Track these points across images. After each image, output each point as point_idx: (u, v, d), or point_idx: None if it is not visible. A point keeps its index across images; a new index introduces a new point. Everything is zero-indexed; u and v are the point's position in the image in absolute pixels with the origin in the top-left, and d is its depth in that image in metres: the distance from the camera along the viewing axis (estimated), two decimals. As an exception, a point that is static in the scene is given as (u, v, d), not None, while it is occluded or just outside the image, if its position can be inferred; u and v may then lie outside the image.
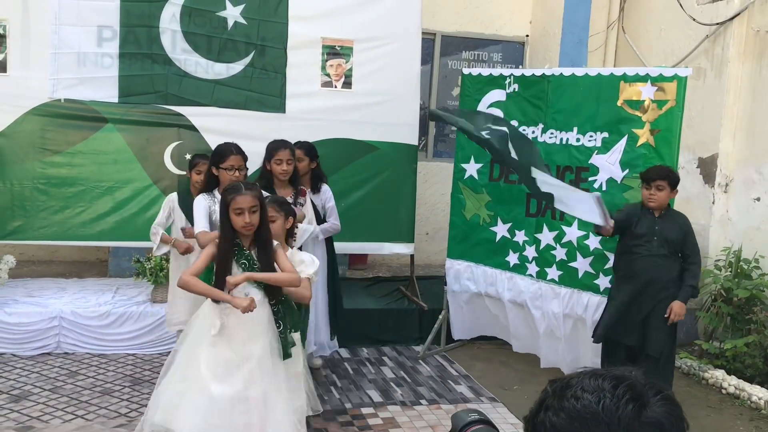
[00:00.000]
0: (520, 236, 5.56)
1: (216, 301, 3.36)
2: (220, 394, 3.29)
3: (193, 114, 5.79)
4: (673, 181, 4.44)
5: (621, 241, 4.68)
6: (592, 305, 5.13)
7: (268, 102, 5.93)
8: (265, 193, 3.73)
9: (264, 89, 5.91)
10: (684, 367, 5.88)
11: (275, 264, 3.43)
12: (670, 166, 4.65)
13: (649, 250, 4.50)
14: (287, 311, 3.49)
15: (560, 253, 5.31)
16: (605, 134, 5.04)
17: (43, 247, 6.59)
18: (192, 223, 4.27)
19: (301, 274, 3.46)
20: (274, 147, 4.63)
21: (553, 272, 5.36)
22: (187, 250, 4.57)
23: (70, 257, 7.05)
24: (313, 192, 5.05)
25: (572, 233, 5.23)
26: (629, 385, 1.08)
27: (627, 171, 4.93)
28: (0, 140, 5.48)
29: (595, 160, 5.09)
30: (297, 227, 4.07)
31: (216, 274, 3.35)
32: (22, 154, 5.52)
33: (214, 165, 4.16)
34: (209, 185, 4.15)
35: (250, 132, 5.87)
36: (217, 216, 3.91)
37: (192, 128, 5.80)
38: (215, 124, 5.83)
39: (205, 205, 4.01)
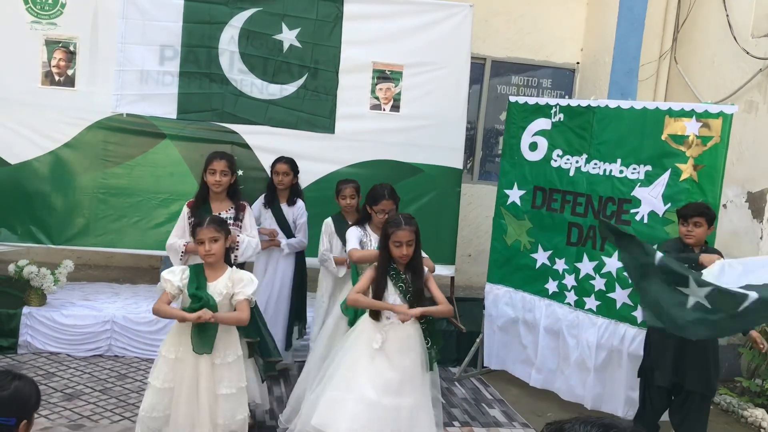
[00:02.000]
0: (560, 264, 5.61)
1: (376, 318, 3.78)
2: (377, 402, 3.65)
3: (247, 132, 6.03)
4: (710, 217, 4.43)
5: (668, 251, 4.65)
6: (628, 337, 5.14)
7: (319, 123, 6.13)
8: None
9: (315, 110, 6.11)
10: (723, 404, 5.83)
11: (425, 288, 3.87)
12: (711, 202, 4.66)
13: None
14: (433, 328, 3.90)
15: (599, 283, 5.34)
16: (648, 167, 5.07)
17: (99, 253, 6.89)
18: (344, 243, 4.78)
19: (240, 295, 3.66)
20: (210, 157, 4.55)
21: (591, 302, 5.39)
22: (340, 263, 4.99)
23: (125, 263, 7.36)
24: (288, 205, 5.33)
25: (612, 264, 5.25)
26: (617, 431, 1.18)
27: (669, 205, 4.94)
28: (65, 151, 5.80)
29: (638, 192, 5.12)
30: (237, 242, 4.42)
31: (374, 294, 3.83)
32: (86, 165, 5.84)
33: (368, 205, 4.57)
34: (363, 220, 4.61)
35: (300, 151, 6.08)
36: (366, 247, 4.44)
37: (245, 146, 6.04)
38: (267, 143, 6.05)
39: (358, 235, 4.49)
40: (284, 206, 5.37)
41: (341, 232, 4.90)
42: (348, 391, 3.68)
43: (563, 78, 8.33)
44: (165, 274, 3.72)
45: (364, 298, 3.78)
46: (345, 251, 4.76)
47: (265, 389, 4.48)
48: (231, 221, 4.47)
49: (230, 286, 3.69)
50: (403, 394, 3.67)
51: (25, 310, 5.52)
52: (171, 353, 3.64)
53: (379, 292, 3.79)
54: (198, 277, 3.70)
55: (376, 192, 4.54)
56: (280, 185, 5.30)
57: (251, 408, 4.14)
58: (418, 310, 3.73)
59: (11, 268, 5.62)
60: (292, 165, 5.33)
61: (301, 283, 5.48)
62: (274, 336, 4.86)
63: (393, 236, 3.79)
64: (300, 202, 5.36)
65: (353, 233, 4.49)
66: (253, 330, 4.32)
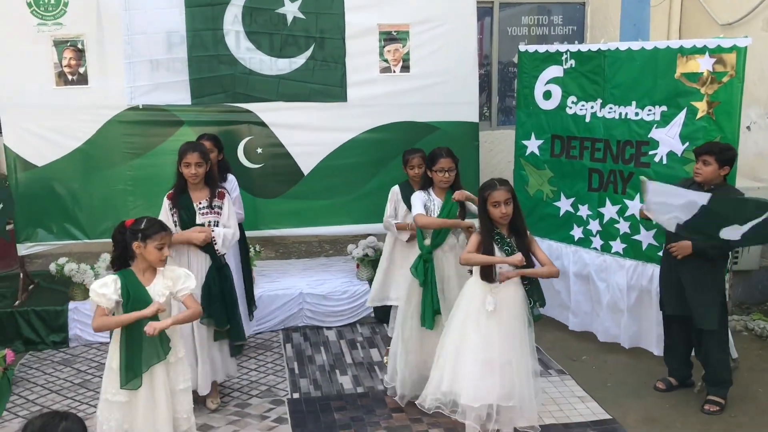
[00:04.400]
0: (584, 210, 5.64)
1: (488, 280, 3.98)
2: (490, 360, 3.94)
3: (261, 110, 6.08)
4: (720, 156, 4.36)
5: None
6: (656, 277, 5.18)
7: (330, 92, 6.14)
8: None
9: (326, 80, 6.12)
10: (757, 329, 5.88)
11: (530, 252, 4.01)
12: (729, 139, 4.62)
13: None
14: (536, 289, 4.08)
15: (624, 227, 5.38)
16: (664, 108, 5.03)
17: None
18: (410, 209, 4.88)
19: (184, 291, 3.62)
20: (183, 150, 4.48)
21: (617, 245, 5.44)
22: (402, 229, 5.01)
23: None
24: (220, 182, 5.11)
25: (635, 206, 5.27)
26: None
27: (687, 144, 4.91)
28: (88, 148, 5.92)
29: (655, 134, 5.09)
30: (213, 236, 4.48)
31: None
32: (110, 159, 5.95)
33: (428, 168, 4.64)
34: (425, 185, 4.69)
35: (315, 123, 6.15)
36: (431, 212, 4.53)
37: (261, 124, 6.10)
38: (282, 118, 6.10)
39: (422, 199, 4.61)
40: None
41: (407, 198, 4.98)
42: (466, 353, 3.97)
43: (574, 12, 8.15)
44: (97, 287, 3.48)
45: (475, 255, 3.96)
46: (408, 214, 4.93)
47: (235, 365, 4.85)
48: (206, 210, 4.51)
49: (170, 285, 3.60)
50: (511, 350, 3.95)
51: (71, 305, 5.76)
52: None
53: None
54: (133, 284, 3.54)
55: (433, 154, 4.63)
56: (192, 179, 4.66)
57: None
58: (516, 272, 3.92)
59: (52, 267, 5.84)
60: (215, 141, 5.16)
61: (245, 254, 5.49)
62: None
63: (490, 198, 3.95)
64: (231, 177, 5.20)
65: (418, 197, 4.61)
66: (222, 319, 4.53)
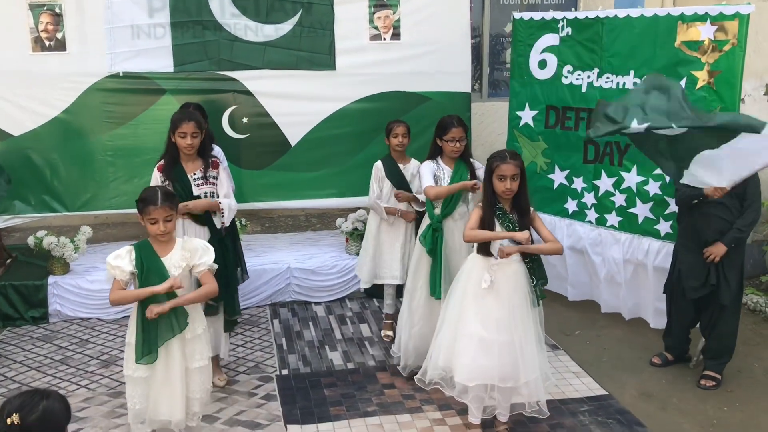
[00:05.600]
0: (579, 183, 5.52)
1: (485, 254, 3.78)
2: (488, 338, 3.72)
3: (247, 78, 5.88)
4: None
5: (679, 189, 4.56)
6: (653, 250, 5.11)
7: (318, 60, 5.95)
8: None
9: (313, 48, 5.92)
10: (750, 304, 5.84)
11: (532, 228, 3.81)
12: (729, 109, 4.52)
13: (707, 202, 4.35)
14: (537, 266, 3.86)
15: (619, 199, 5.27)
16: (663, 77, 4.89)
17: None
18: (397, 187, 4.89)
19: (201, 267, 3.46)
20: (178, 119, 4.28)
21: (612, 218, 5.34)
22: (391, 213, 4.92)
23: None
24: None
25: (631, 179, 5.16)
26: None
27: (686, 115, 4.79)
28: (66, 117, 5.70)
29: (653, 104, 4.96)
30: (221, 209, 4.35)
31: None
32: (89, 129, 5.74)
33: (438, 137, 4.48)
34: (434, 154, 4.53)
35: (302, 92, 5.96)
36: (441, 182, 4.40)
37: (247, 92, 5.90)
38: (268, 87, 5.91)
39: (432, 169, 4.45)
40: None
41: (392, 174, 4.91)
42: (463, 330, 3.78)
43: (567, -20, 7.98)
44: (111, 260, 3.38)
45: (481, 232, 3.76)
46: (394, 192, 4.89)
47: (228, 343, 4.65)
48: (201, 181, 4.34)
49: (188, 257, 3.44)
50: (513, 331, 3.72)
51: (51, 279, 5.57)
52: None
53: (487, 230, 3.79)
54: (148, 255, 3.40)
55: (444, 122, 4.47)
56: (187, 149, 4.42)
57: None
58: (515, 248, 3.71)
59: (31, 240, 5.64)
60: (200, 111, 4.99)
61: (233, 227, 5.31)
62: None
63: (497, 170, 3.72)
64: (217, 148, 5.01)
65: (427, 168, 4.46)
66: (220, 294, 4.29)
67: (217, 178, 4.38)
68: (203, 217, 4.33)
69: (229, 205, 4.39)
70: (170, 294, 3.35)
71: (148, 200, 3.38)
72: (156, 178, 4.33)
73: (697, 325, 4.73)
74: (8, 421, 2.09)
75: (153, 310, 3.27)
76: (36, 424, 2.10)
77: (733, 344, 4.58)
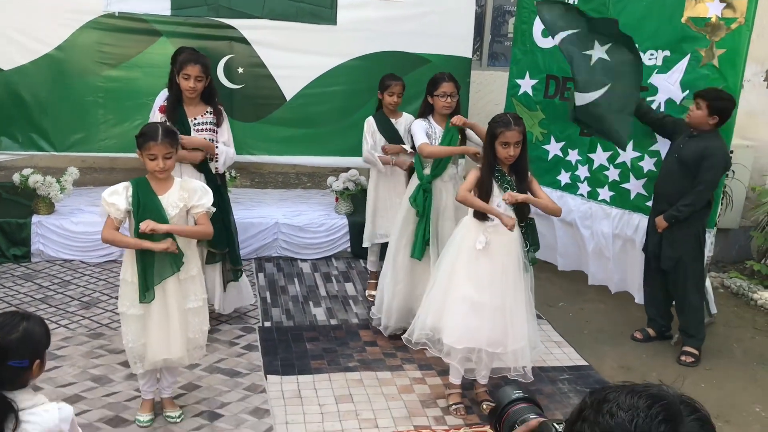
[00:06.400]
0: (573, 155, 5.49)
1: (481, 219, 3.71)
2: (480, 301, 3.69)
3: (245, 26, 5.76)
4: (714, 105, 4.29)
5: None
6: (642, 227, 5.09)
7: (320, 13, 5.83)
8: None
9: (315, 0, 5.80)
10: (733, 287, 5.88)
11: (529, 191, 3.76)
12: (731, 89, 4.48)
13: (667, 165, 4.56)
14: (531, 232, 3.84)
15: (613, 174, 5.25)
16: (666, 53, 4.85)
17: (104, 156, 6.78)
18: (389, 142, 4.83)
19: (199, 208, 3.41)
20: (184, 60, 4.16)
21: (604, 193, 5.32)
22: (386, 162, 4.87)
23: (129, 165, 7.22)
24: None
25: (627, 154, 5.13)
26: (663, 405, 1.10)
27: (687, 92, 4.75)
28: (58, 54, 5.56)
29: (655, 79, 4.92)
30: (216, 153, 4.27)
31: (480, 195, 3.73)
32: (81, 68, 5.62)
33: (429, 94, 4.39)
34: (425, 112, 4.45)
35: (301, 45, 5.85)
36: (432, 140, 4.33)
37: (244, 41, 5.78)
38: (266, 37, 5.80)
39: (424, 127, 4.38)
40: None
41: (384, 129, 4.87)
42: (454, 292, 3.75)
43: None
44: (107, 196, 3.29)
45: (473, 199, 3.71)
46: (382, 145, 4.85)
47: (224, 295, 4.59)
48: (209, 126, 4.27)
49: (186, 197, 3.38)
50: (505, 294, 3.70)
51: (35, 218, 5.50)
52: (133, 277, 3.35)
53: (485, 194, 3.71)
54: (145, 192, 3.33)
55: (435, 77, 4.41)
56: (189, 92, 4.28)
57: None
58: (523, 196, 3.67)
59: (16, 177, 5.55)
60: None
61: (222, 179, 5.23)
62: None
63: (501, 136, 3.65)
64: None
65: (419, 126, 4.40)
66: (222, 240, 4.30)
67: (218, 126, 4.31)
68: (200, 164, 4.27)
69: (226, 152, 4.32)
70: (166, 235, 3.30)
71: (149, 135, 3.31)
72: (157, 119, 4.24)
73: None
74: None
75: (151, 226, 3.21)
76: (15, 344, 2.06)
77: (699, 320, 4.62)
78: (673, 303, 4.77)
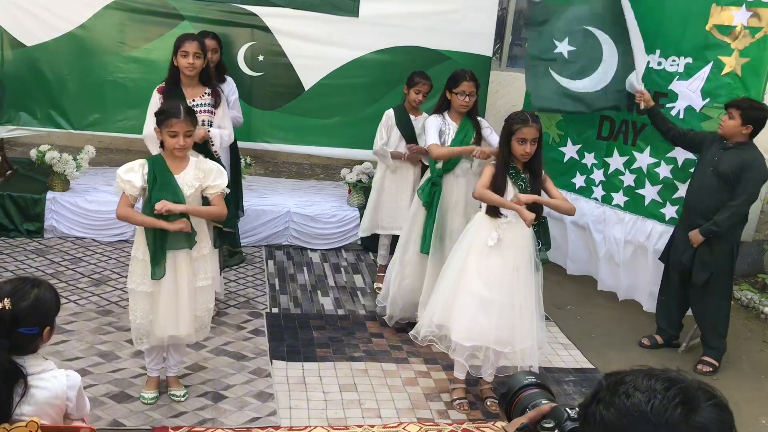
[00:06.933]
0: (589, 159, 5.48)
1: (494, 215, 3.68)
2: (489, 299, 3.66)
3: (267, 14, 5.77)
4: (747, 114, 4.20)
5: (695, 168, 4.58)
6: (655, 233, 5.09)
7: (342, 5, 5.83)
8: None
9: (338, -9, 5.81)
10: (744, 300, 5.83)
11: (543, 190, 3.75)
12: (754, 98, 4.44)
13: (702, 178, 4.40)
14: (543, 230, 3.81)
15: (628, 179, 5.23)
16: (689, 59, 4.82)
17: (121, 137, 6.81)
18: (406, 139, 4.78)
19: (214, 189, 3.41)
20: (182, 37, 4.19)
21: (619, 198, 5.30)
22: (396, 157, 4.84)
23: (146, 148, 7.28)
24: (218, 83, 4.70)
25: (643, 159, 5.12)
26: (681, 389, 1.09)
27: (708, 100, 4.74)
28: (80, 33, 5.59)
29: (676, 86, 4.90)
30: (209, 136, 4.22)
31: (493, 191, 3.68)
32: (102, 48, 5.64)
33: (448, 89, 4.36)
34: (441, 108, 4.42)
35: (322, 36, 5.86)
36: (446, 136, 4.28)
37: (266, 29, 5.79)
38: (288, 26, 5.81)
39: (437, 125, 4.33)
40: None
41: (402, 124, 4.83)
42: (463, 288, 3.72)
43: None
44: (122, 173, 3.29)
45: (491, 194, 3.66)
46: (402, 142, 4.82)
47: (222, 279, 4.60)
48: (207, 107, 4.26)
49: (201, 177, 3.38)
50: (515, 292, 3.67)
51: (50, 195, 5.53)
52: (144, 254, 3.37)
53: (498, 191, 3.68)
54: (161, 170, 3.31)
55: (456, 74, 4.37)
56: (188, 70, 4.20)
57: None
58: (532, 197, 3.64)
59: (33, 153, 5.58)
60: (217, 40, 4.84)
61: (236, 163, 5.06)
62: None
63: (518, 132, 3.63)
64: (229, 78, 4.90)
65: (433, 123, 4.35)
66: (230, 219, 4.23)
67: (216, 107, 4.29)
68: (201, 146, 4.26)
69: (220, 135, 4.29)
70: (187, 241, 3.35)
71: (170, 112, 3.31)
72: (155, 99, 4.24)
73: (690, 313, 4.73)
74: (0, 305, 2.07)
75: (167, 205, 3.23)
76: (27, 310, 2.08)
77: (723, 332, 4.57)
78: (690, 312, 4.72)
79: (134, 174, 3.30)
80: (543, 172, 3.80)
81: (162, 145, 3.39)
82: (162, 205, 3.24)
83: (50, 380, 2.15)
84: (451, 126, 4.36)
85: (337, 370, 4.06)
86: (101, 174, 6.14)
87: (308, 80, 5.97)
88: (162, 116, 3.33)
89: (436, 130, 4.33)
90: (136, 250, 3.43)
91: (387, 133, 4.89)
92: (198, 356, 4.03)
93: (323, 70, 5.95)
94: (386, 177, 5.00)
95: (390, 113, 4.91)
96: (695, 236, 4.38)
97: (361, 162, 6.20)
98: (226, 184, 3.46)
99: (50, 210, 5.52)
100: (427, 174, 4.44)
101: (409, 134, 4.85)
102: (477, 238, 3.79)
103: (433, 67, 5.93)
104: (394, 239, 4.92)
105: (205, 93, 4.29)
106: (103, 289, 4.75)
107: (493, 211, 3.74)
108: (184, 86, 4.26)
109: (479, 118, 4.46)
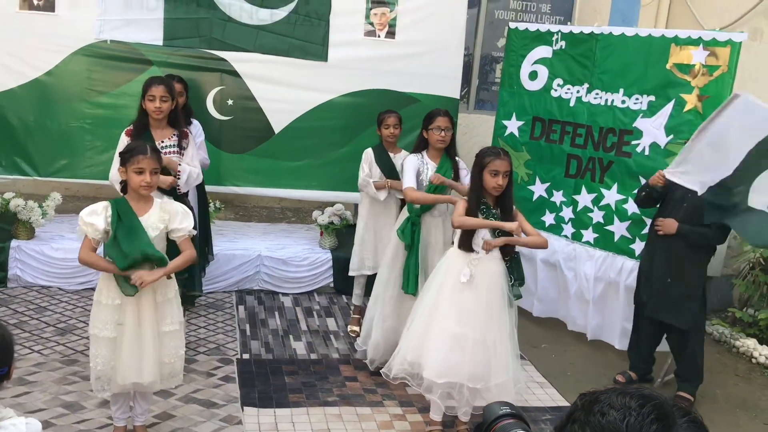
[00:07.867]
0: (558, 197, 5.53)
1: (466, 249, 3.71)
2: (462, 335, 3.64)
3: (236, 60, 5.80)
4: None
5: (659, 206, 4.61)
6: (626, 269, 5.12)
7: (311, 50, 5.89)
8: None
9: (307, 37, 5.87)
10: (715, 334, 5.87)
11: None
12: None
13: (671, 212, 4.44)
14: (516, 266, 3.81)
15: (597, 216, 5.28)
16: (652, 98, 4.93)
17: (88, 184, 6.70)
18: (387, 176, 4.74)
19: (181, 232, 3.36)
20: (148, 82, 4.29)
21: (588, 234, 5.34)
22: (380, 187, 4.78)
23: (114, 194, 7.19)
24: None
25: (611, 196, 5.18)
26: (655, 405, 1.08)
27: (671, 137, 4.83)
28: (48, 79, 5.57)
29: (640, 123, 5.00)
30: (178, 171, 4.25)
31: (464, 230, 3.73)
32: (69, 94, 5.61)
33: (424, 128, 4.37)
34: (419, 147, 4.44)
35: (292, 80, 5.90)
36: (423, 176, 4.30)
37: (235, 74, 5.82)
38: (258, 71, 5.84)
39: (415, 165, 4.34)
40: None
41: (381, 162, 4.83)
42: (436, 325, 3.70)
43: (563, 3, 8.05)
44: (85, 216, 3.23)
45: (470, 219, 3.70)
46: (383, 179, 4.79)
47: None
48: (173, 149, 4.29)
49: (166, 219, 3.32)
50: (488, 328, 3.65)
51: (14, 243, 5.42)
52: (108, 299, 3.30)
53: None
54: (125, 212, 3.26)
55: (431, 113, 4.42)
56: (155, 113, 4.33)
57: None
58: (502, 240, 3.67)
59: (-3, 200, 5.49)
60: (183, 84, 5.00)
61: (204, 207, 5.24)
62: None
63: (490, 164, 3.67)
64: (195, 121, 4.98)
65: (411, 164, 4.35)
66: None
67: (184, 149, 4.30)
68: (167, 191, 4.24)
69: (189, 171, 4.29)
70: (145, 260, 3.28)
71: (137, 150, 3.29)
72: (123, 142, 4.23)
73: (665, 347, 4.74)
74: None
75: (142, 277, 3.19)
76: None
77: (700, 366, 4.59)
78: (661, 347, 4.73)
79: (97, 217, 3.25)
80: (514, 208, 3.82)
81: (124, 189, 3.34)
82: (138, 278, 3.20)
83: (8, 428, 2.06)
84: (429, 165, 4.37)
85: (310, 415, 3.97)
86: (68, 221, 6.02)
87: (278, 123, 5.98)
88: (128, 154, 3.30)
89: (413, 171, 4.33)
90: (98, 294, 3.35)
91: (369, 168, 4.88)
92: (166, 404, 3.92)
93: (293, 114, 5.98)
94: (371, 213, 4.96)
95: (369, 152, 4.90)
96: (670, 224, 4.37)
97: (332, 204, 6.19)
98: (192, 227, 3.41)
99: (14, 259, 5.40)
100: (405, 212, 4.43)
101: (389, 171, 4.83)
102: (449, 275, 3.77)
103: (403, 109, 5.96)
104: (369, 279, 4.88)
105: (174, 135, 4.31)
106: (68, 338, 4.63)
107: (466, 245, 3.74)
108: (153, 128, 4.29)
109: (457, 158, 4.48)
